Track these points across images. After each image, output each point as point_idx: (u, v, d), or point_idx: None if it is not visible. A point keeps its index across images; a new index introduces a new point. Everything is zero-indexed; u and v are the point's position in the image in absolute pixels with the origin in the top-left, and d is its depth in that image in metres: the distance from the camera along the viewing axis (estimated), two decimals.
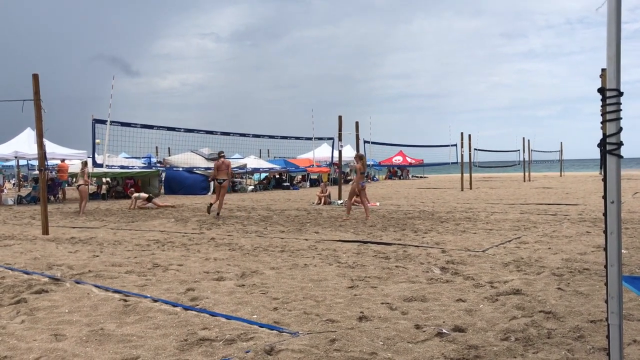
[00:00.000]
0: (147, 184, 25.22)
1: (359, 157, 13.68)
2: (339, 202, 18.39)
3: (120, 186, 25.57)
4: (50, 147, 22.68)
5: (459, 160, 27.91)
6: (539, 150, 45.44)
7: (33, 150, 23.61)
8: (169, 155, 28.68)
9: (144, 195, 18.76)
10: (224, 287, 5.72)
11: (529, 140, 38.21)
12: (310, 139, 21.17)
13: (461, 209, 15.25)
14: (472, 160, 28.81)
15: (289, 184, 33.37)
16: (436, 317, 4.48)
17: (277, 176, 34.23)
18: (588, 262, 6.79)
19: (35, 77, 11.25)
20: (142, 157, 28.81)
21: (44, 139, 11.55)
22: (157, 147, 30.19)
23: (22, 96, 11.50)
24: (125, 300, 5.18)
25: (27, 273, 6.73)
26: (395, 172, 48.21)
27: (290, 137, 21.01)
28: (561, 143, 49.94)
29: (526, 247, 8.10)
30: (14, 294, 5.51)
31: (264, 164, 31.50)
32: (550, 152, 48.73)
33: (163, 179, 29.09)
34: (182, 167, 23.66)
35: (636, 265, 6.53)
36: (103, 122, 14.10)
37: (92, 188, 25.67)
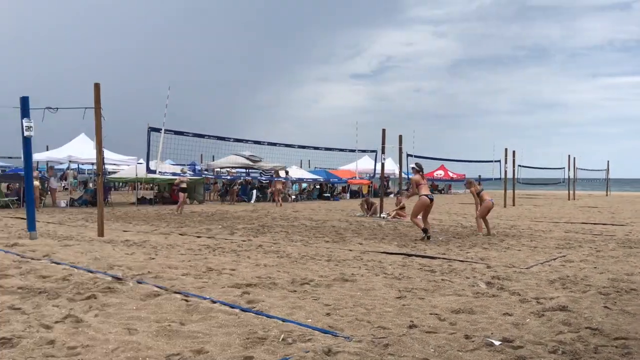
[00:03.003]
0: (193, 190, 25.95)
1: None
2: (383, 215, 18.37)
3: (167, 192, 26.36)
4: (105, 153, 23.60)
5: (502, 176, 27.67)
6: (585, 169, 44.55)
7: (85, 155, 24.65)
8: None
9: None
10: (277, 292, 6.00)
11: (574, 158, 37.50)
12: (353, 151, 21.37)
13: (504, 225, 15.21)
14: (515, 177, 28.53)
15: (329, 194, 33.69)
16: (484, 329, 4.64)
17: (318, 187, 34.62)
18: (635, 283, 6.80)
19: (97, 86, 11.86)
20: (187, 165, 29.67)
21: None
22: (202, 155, 31.05)
23: (78, 103, 12.13)
24: (187, 301, 5.51)
25: (90, 272, 7.15)
26: (437, 186, 47.89)
27: (334, 149, 21.30)
28: (608, 162, 48.73)
29: (571, 266, 8.13)
30: (83, 291, 5.92)
31: (306, 174, 31.93)
32: (597, 170, 47.67)
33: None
34: (225, 169, 24.44)
35: None
36: (158, 130, 14.70)
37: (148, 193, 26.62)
